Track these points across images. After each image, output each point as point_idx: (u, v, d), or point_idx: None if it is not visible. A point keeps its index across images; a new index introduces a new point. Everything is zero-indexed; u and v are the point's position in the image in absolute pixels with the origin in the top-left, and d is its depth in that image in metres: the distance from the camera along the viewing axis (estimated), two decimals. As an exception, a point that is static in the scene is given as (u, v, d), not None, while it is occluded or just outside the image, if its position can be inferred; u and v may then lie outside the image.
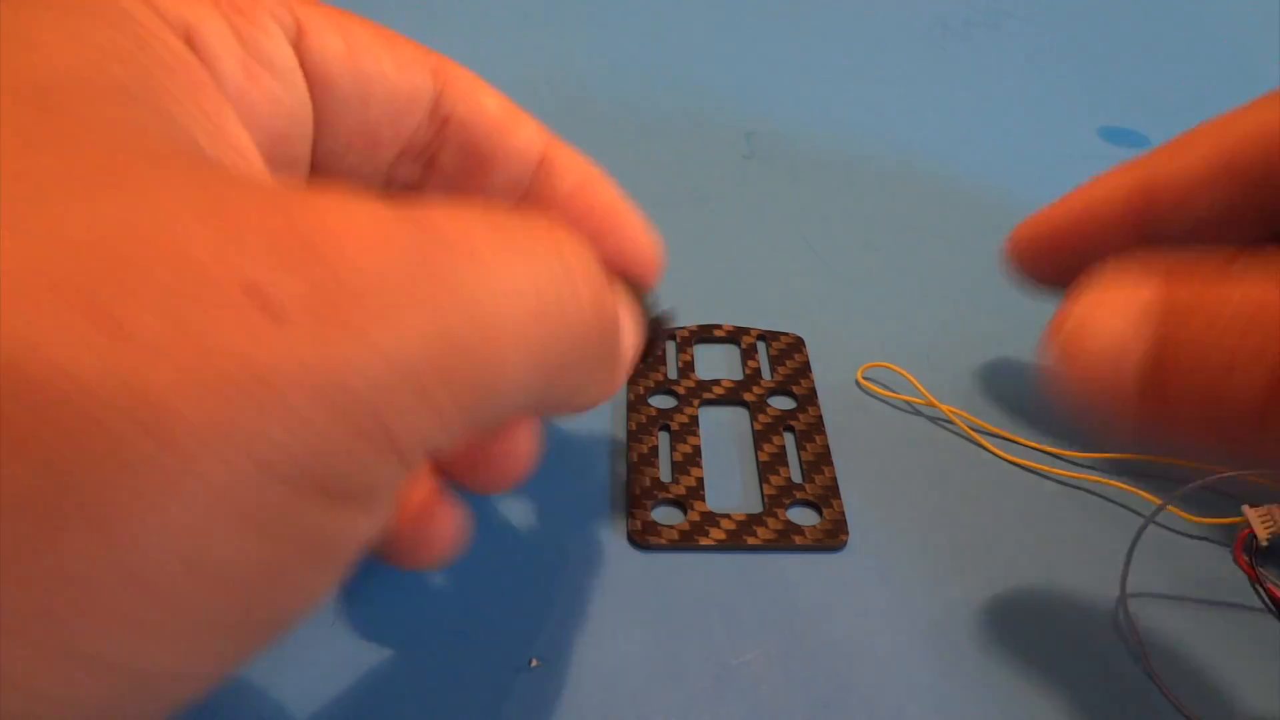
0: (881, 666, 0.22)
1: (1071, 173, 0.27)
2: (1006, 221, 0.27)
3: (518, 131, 0.21)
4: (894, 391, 0.29)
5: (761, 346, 0.30)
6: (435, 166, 0.21)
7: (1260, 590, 0.23)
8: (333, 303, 0.12)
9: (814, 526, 0.25)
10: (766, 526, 0.24)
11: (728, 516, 0.25)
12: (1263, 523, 0.23)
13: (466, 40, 0.45)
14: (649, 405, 0.28)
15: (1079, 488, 0.26)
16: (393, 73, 0.20)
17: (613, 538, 0.24)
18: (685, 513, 0.25)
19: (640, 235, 0.23)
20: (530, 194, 0.21)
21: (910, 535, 0.25)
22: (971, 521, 0.25)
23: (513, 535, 0.24)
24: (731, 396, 0.28)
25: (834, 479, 0.26)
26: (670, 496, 0.25)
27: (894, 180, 0.38)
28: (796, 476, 0.26)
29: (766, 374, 0.29)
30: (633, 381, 0.28)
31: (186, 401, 0.11)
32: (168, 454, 0.11)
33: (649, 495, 0.25)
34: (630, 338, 0.20)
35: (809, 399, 0.28)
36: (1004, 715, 0.21)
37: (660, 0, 0.51)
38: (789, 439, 0.27)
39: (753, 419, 0.28)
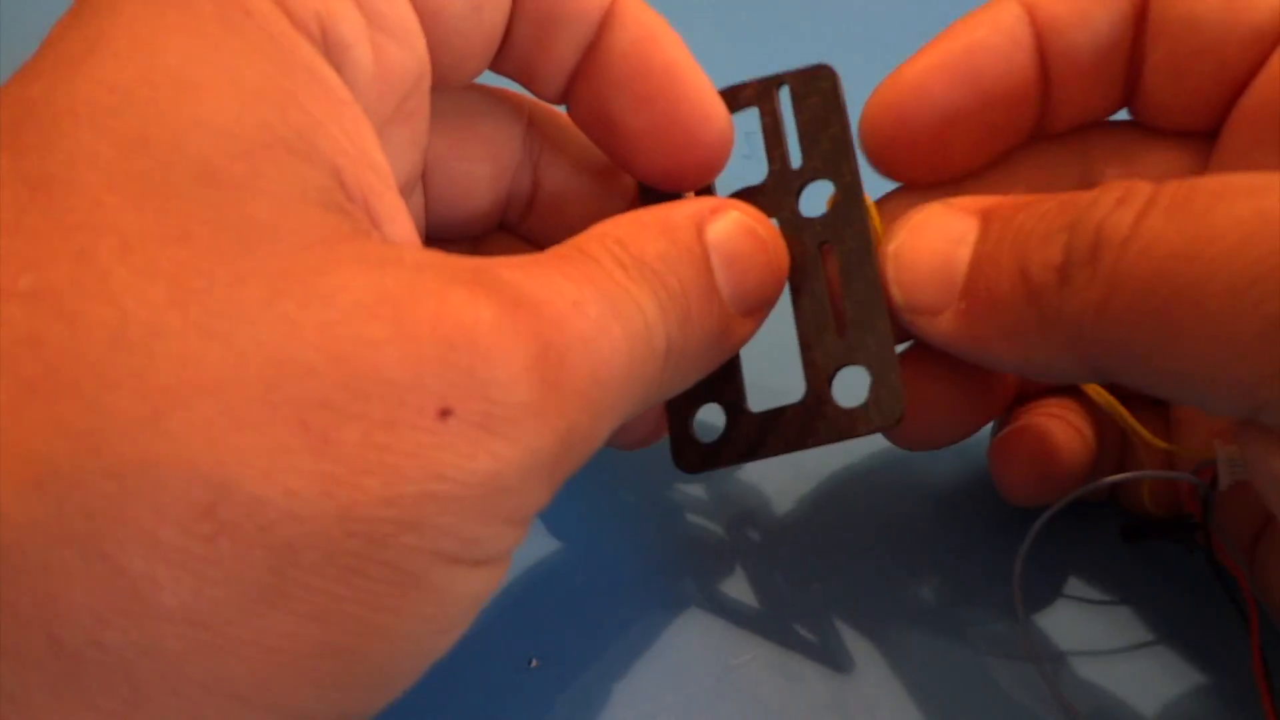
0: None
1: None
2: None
3: None
4: None
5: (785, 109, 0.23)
6: (510, 40, 0.20)
7: (1210, 552, 0.20)
8: (495, 419, 0.14)
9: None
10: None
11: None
12: (1230, 465, 0.19)
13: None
14: None
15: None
16: None
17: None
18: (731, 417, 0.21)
19: (702, 104, 0.21)
20: (592, 51, 0.20)
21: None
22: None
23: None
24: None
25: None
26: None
27: (894, 180, 0.38)
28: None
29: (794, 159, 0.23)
30: None
31: (392, 511, 0.13)
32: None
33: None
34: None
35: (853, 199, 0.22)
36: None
37: (659, 2, 0.51)
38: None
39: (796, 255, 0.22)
